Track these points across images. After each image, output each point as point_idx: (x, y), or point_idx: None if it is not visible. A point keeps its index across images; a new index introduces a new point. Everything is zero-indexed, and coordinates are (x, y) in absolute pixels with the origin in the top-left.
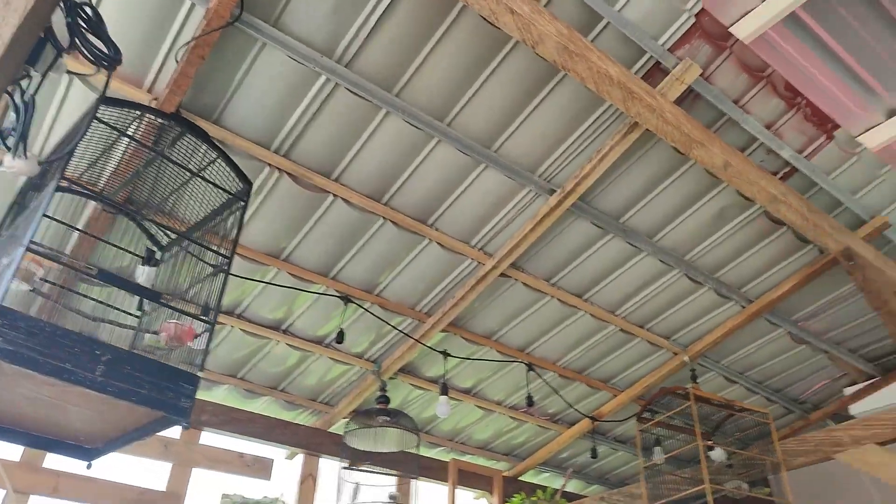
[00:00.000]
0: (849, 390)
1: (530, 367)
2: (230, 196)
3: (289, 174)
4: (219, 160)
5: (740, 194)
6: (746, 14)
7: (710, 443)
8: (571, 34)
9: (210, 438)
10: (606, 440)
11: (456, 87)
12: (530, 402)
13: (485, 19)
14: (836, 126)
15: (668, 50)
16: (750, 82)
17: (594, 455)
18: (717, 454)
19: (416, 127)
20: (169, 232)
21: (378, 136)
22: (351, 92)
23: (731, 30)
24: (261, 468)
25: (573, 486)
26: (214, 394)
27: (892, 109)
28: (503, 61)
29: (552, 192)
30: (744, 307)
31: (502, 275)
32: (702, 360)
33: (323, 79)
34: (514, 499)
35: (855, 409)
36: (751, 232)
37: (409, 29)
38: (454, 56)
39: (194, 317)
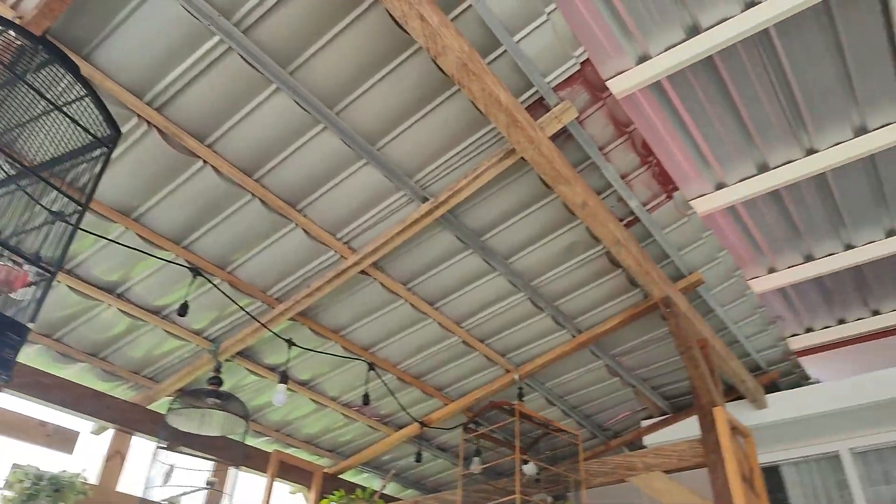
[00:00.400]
0: (645, 423)
1: (372, 366)
2: (94, 140)
3: (159, 130)
4: (87, 99)
5: (590, 233)
6: (621, 73)
7: (525, 457)
8: (472, 54)
9: (8, 402)
10: (430, 446)
11: (352, 78)
12: (366, 400)
13: (393, 19)
14: (676, 188)
15: (553, 88)
16: (615, 134)
17: (419, 459)
18: (530, 468)
19: (305, 109)
20: (8, 166)
21: (263, 110)
22: (244, 59)
23: (607, 83)
24: (63, 440)
25: (390, 489)
26: (21, 353)
27: (720, 182)
28: (402, 64)
29: (425, 199)
30: (574, 336)
31: (362, 272)
32: (529, 381)
33: (216, 39)
34: (332, 496)
35: (648, 439)
36: (591, 269)
37: (317, 10)
38: (356, 47)
39: (35, 264)
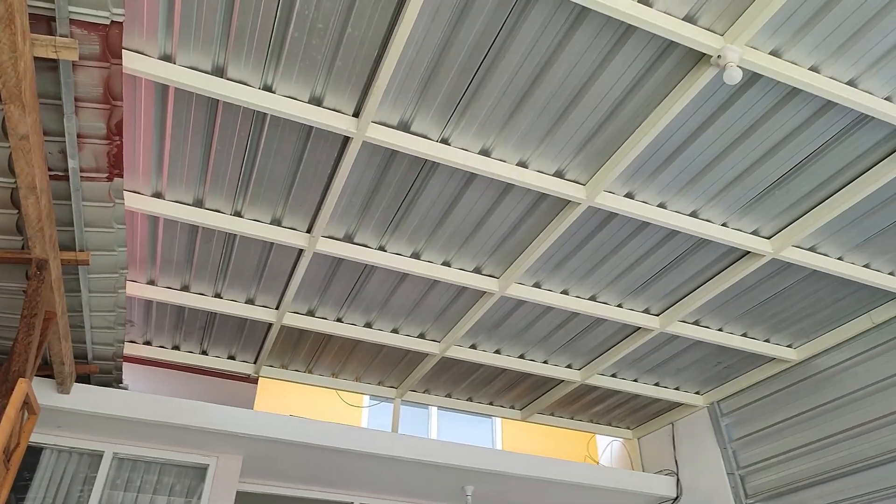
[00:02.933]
0: None
1: None
2: None
3: None
4: None
5: (10, 164)
6: (141, 54)
7: None
8: None
9: None
10: None
11: None
12: None
13: None
14: (120, 175)
15: (71, 20)
16: (100, 98)
17: None
18: None
19: None
20: None
21: None
22: None
23: (124, 51)
24: None
25: None
26: None
27: (159, 193)
28: None
29: None
30: None
31: None
32: None
33: None
34: None
35: None
36: None
37: None
38: None
39: None
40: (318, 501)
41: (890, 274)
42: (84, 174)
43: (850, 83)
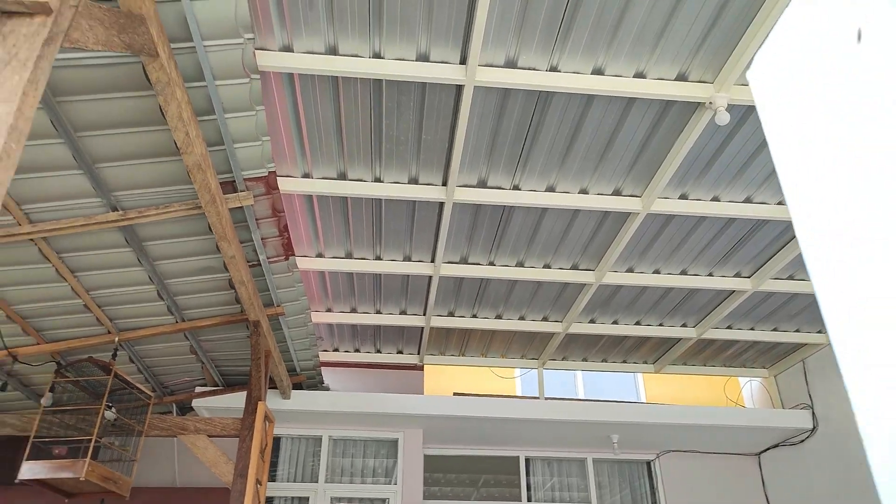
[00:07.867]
0: (199, 389)
1: None
2: None
3: None
4: None
5: (224, 265)
6: (289, 176)
7: (109, 405)
8: (206, 158)
9: None
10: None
11: (111, 122)
12: None
13: (162, 113)
14: (293, 255)
15: (245, 179)
16: (270, 214)
17: (3, 388)
18: (110, 414)
19: (53, 123)
20: None
21: None
22: None
23: (279, 181)
24: None
25: None
26: None
27: (320, 254)
28: (156, 131)
29: (115, 209)
30: (177, 322)
31: (31, 239)
32: (125, 343)
33: None
34: None
35: (197, 402)
36: (213, 284)
37: (121, 80)
38: (129, 108)
39: None
40: (490, 458)
41: None
42: (270, 260)
43: None
